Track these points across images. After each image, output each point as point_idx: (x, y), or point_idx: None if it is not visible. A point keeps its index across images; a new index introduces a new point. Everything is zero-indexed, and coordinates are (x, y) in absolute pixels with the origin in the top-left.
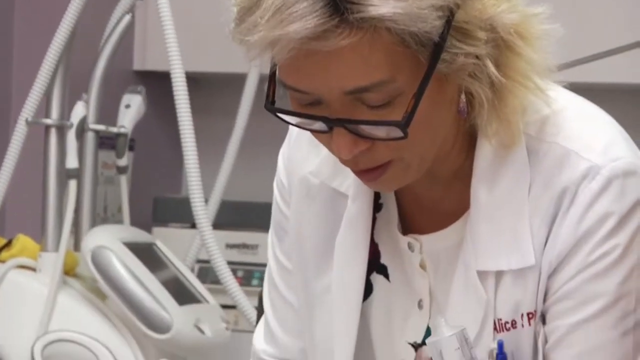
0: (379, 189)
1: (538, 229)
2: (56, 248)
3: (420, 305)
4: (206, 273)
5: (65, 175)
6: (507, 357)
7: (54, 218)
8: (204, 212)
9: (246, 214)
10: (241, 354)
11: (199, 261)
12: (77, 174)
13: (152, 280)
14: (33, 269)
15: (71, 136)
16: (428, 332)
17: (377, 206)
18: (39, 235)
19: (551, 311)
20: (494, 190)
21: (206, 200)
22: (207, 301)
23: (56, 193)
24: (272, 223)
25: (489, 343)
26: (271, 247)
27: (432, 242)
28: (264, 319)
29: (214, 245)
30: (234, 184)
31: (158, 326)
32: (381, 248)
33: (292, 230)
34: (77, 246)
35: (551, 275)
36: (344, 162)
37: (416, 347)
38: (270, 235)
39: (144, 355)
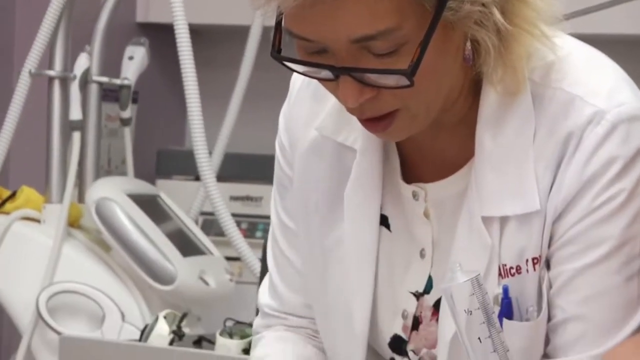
0: (386, 139)
1: (543, 175)
2: (60, 200)
3: (422, 254)
4: (210, 225)
5: (68, 127)
6: (512, 302)
7: (58, 170)
8: (207, 164)
9: (250, 166)
10: (245, 305)
11: (202, 213)
12: (80, 125)
13: (156, 232)
14: (37, 221)
15: (74, 88)
16: (430, 281)
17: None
18: (42, 187)
19: (556, 256)
20: (499, 136)
21: (210, 153)
22: (211, 253)
23: (60, 145)
24: (275, 180)
25: (494, 289)
26: (274, 204)
27: (437, 190)
28: (268, 275)
29: (218, 197)
30: (238, 136)
31: (162, 278)
32: (383, 198)
33: (296, 188)
34: (81, 198)
35: (556, 220)
36: (350, 110)
37: (418, 296)
38: (273, 191)
39: (148, 306)
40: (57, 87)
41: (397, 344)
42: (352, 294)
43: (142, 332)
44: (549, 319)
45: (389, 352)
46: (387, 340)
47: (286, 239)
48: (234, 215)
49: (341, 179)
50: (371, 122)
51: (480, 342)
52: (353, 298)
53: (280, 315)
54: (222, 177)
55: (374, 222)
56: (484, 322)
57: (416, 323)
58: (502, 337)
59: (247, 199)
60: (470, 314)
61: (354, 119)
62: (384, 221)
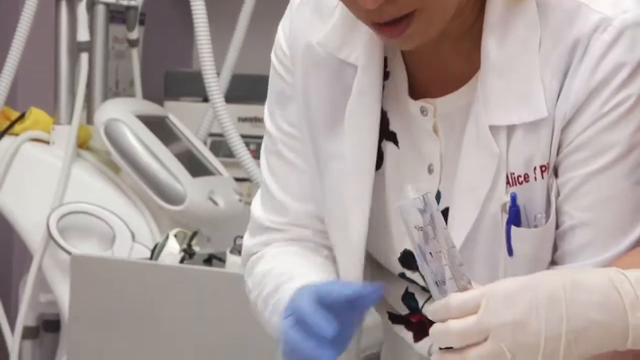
0: (401, 45)
1: (549, 83)
2: (69, 121)
3: (430, 170)
4: (219, 146)
5: (76, 48)
6: (520, 210)
7: (66, 91)
8: (215, 85)
9: (258, 87)
10: None
11: (211, 135)
12: (88, 47)
13: (165, 153)
14: (46, 142)
15: (82, 9)
16: (438, 196)
17: (384, 74)
18: (51, 109)
19: (564, 163)
20: (504, 45)
21: (218, 74)
22: (220, 173)
23: (68, 66)
24: (272, 93)
25: (502, 197)
26: (270, 118)
27: (445, 104)
28: (261, 192)
29: (227, 118)
30: (246, 57)
31: (172, 198)
32: (390, 115)
33: (300, 96)
34: (89, 119)
35: (565, 127)
36: (367, 15)
37: None
38: (269, 106)
39: (158, 226)
40: (64, 8)
41: (408, 259)
42: (349, 207)
43: (153, 250)
44: (557, 225)
45: (399, 268)
46: (397, 255)
47: (289, 147)
48: (242, 136)
49: (343, 96)
50: (387, 27)
51: (432, 256)
52: (350, 212)
53: (282, 228)
54: (230, 98)
55: (373, 138)
56: (434, 238)
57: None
58: (454, 252)
59: (255, 120)
60: (421, 230)
61: (356, 36)
62: (392, 137)
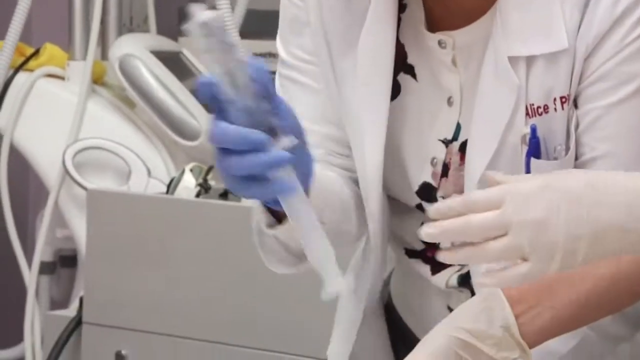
0: None
1: (570, 13)
2: (84, 57)
3: (450, 102)
4: None
5: None
6: (539, 142)
7: (81, 27)
8: (230, 21)
9: (272, 23)
10: None
11: None
12: None
13: (180, 88)
14: (61, 78)
15: None
16: (458, 129)
17: (400, 7)
18: (66, 44)
19: (585, 94)
20: None
21: (232, 9)
22: None
23: (82, 1)
24: (284, 22)
25: (522, 128)
26: (284, 47)
27: (463, 36)
28: None
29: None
30: None
31: (187, 133)
32: (407, 48)
33: (315, 19)
34: (104, 55)
35: (586, 58)
36: None
37: (447, 143)
38: (281, 34)
39: (174, 162)
40: None
41: (426, 191)
42: (365, 135)
43: (169, 185)
44: (577, 157)
45: (416, 199)
46: (415, 188)
47: (306, 73)
48: None
49: (355, 23)
50: None
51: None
52: (365, 141)
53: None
54: (244, 33)
55: (388, 68)
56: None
57: (445, 170)
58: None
59: (269, 55)
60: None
61: None
62: (410, 70)
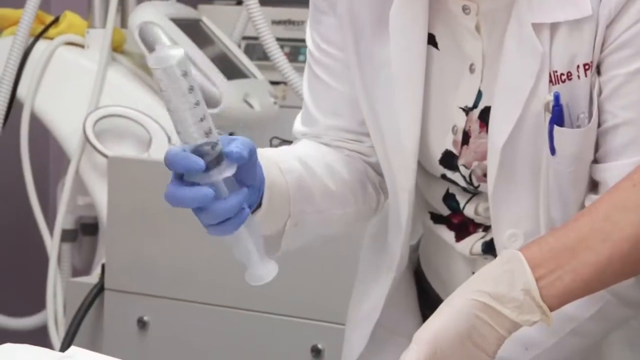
0: None
1: None
2: (103, 24)
3: (471, 69)
4: (253, 49)
5: None
6: (563, 109)
7: None
8: None
9: None
10: (290, 128)
11: (245, 38)
12: None
13: (200, 56)
14: (81, 46)
15: None
16: (479, 96)
17: None
18: (85, 12)
19: (608, 61)
20: None
21: None
22: (254, 76)
23: None
24: (310, 9)
25: (545, 96)
26: (309, 35)
27: (488, 2)
28: (303, 105)
29: (262, 20)
30: None
31: (207, 101)
32: (429, 17)
33: (343, 4)
34: (124, 23)
35: (609, 25)
36: None
37: (467, 111)
38: (309, 22)
39: None
40: None
41: (448, 159)
42: (400, 113)
43: None
44: (599, 124)
45: (440, 169)
46: (438, 156)
47: (321, 65)
48: (276, 39)
49: (383, 6)
50: None
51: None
52: (402, 117)
53: (314, 135)
54: (263, 0)
55: (421, 40)
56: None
57: (466, 138)
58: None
59: (289, 22)
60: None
61: None
62: (431, 40)
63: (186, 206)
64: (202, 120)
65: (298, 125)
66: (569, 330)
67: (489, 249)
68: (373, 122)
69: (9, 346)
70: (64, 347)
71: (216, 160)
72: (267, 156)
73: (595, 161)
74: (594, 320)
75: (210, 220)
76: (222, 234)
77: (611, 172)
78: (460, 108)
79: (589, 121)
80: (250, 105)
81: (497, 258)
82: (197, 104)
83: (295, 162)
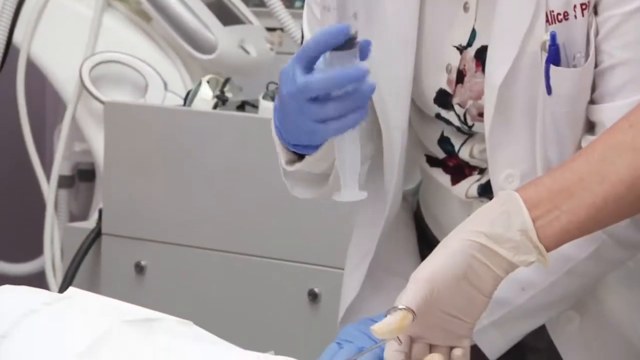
0: None
1: None
2: None
3: (465, 8)
4: None
5: None
6: (559, 48)
7: None
8: None
9: None
10: None
11: None
12: None
13: (195, 2)
14: None
15: None
16: (473, 35)
17: None
18: None
19: (604, 1)
20: None
21: None
22: (250, 22)
23: None
24: None
25: (542, 35)
26: None
27: None
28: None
29: None
30: None
31: (203, 46)
32: None
33: None
34: None
35: None
36: None
37: (461, 49)
38: None
39: (190, 75)
40: None
41: (443, 98)
42: (394, 51)
43: (186, 97)
44: (596, 65)
45: (434, 108)
46: (433, 95)
47: (318, 3)
48: None
49: None
50: None
51: None
52: (395, 55)
53: None
54: None
55: None
56: None
57: (460, 76)
58: None
59: None
60: None
61: None
62: None
63: (339, 86)
64: None
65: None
66: (566, 270)
67: (485, 191)
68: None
69: (8, 287)
70: (62, 292)
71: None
72: None
73: (592, 102)
74: (590, 260)
75: (353, 104)
76: (353, 124)
77: (608, 113)
78: (454, 47)
79: (586, 61)
80: (246, 51)
81: (493, 199)
82: None
83: None
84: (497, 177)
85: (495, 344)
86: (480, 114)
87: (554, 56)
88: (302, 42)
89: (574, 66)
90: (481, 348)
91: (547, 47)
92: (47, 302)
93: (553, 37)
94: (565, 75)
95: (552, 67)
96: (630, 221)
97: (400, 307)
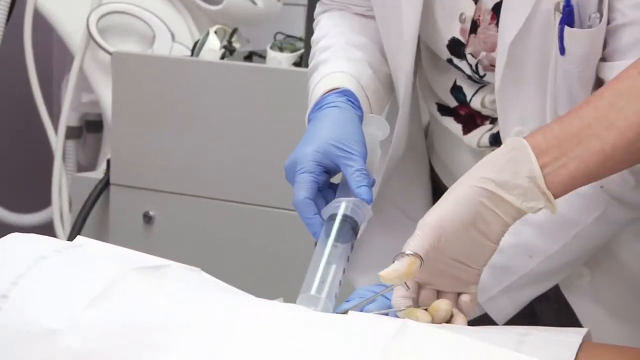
0: None
1: None
2: None
3: None
4: None
5: None
6: (573, 9)
7: None
8: None
9: None
10: (294, 25)
11: None
12: None
13: None
14: None
15: None
16: None
17: None
18: None
19: None
20: None
21: None
22: None
23: None
24: None
25: None
26: None
27: None
28: None
29: None
30: None
31: None
32: None
33: None
34: None
35: None
36: None
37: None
38: None
39: (197, 25)
40: None
41: (456, 46)
42: None
43: (193, 47)
44: (608, 22)
45: (446, 53)
46: (445, 42)
47: None
48: None
49: None
50: None
51: None
52: (404, 1)
53: (337, 5)
54: None
55: None
56: None
57: (474, 26)
58: None
59: None
60: None
61: None
62: None
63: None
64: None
65: None
66: (572, 235)
67: (497, 141)
68: (378, 2)
69: (18, 235)
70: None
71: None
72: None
73: (602, 59)
74: (596, 224)
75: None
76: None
77: (617, 71)
78: None
79: (600, 21)
80: (254, 2)
81: (501, 146)
82: None
83: (369, 72)
84: (508, 133)
85: (504, 310)
86: (493, 65)
87: (568, 17)
88: None
89: (589, 26)
90: (491, 315)
91: (561, 7)
92: (58, 250)
93: None
94: (580, 36)
95: (567, 29)
96: (636, 183)
97: (407, 252)
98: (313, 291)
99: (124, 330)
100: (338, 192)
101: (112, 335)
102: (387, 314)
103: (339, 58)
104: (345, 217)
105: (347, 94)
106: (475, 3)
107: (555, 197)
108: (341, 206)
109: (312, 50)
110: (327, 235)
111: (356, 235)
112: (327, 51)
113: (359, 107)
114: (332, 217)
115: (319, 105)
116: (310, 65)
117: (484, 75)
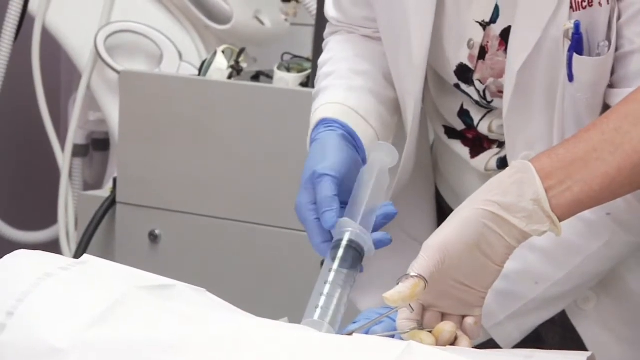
0: None
1: None
2: None
3: None
4: None
5: None
6: (582, 38)
7: None
8: None
9: None
10: (301, 45)
11: None
12: None
13: None
14: None
15: None
16: (496, 11)
17: None
18: None
19: None
20: None
21: None
22: None
23: None
24: None
25: (565, 22)
26: None
27: None
28: None
29: None
30: None
31: (218, 17)
32: None
33: None
34: None
35: None
36: None
37: (484, 25)
38: None
39: (205, 46)
40: None
41: (463, 72)
42: (412, 19)
43: (200, 66)
44: (615, 49)
45: (454, 78)
46: (453, 68)
47: None
48: None
49: None
50: None
51: None
52: (413, 24)
53: (345, 27)
54: None
55: None
56: None
57: (482, 52)
58: None
59: None
60: None
61: None
62: None
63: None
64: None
65: (331, 10)
66: (578, 262)
67: (504, 165)
68: (387, 27)
69: (23, 252)
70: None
71: None
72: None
73: (610, 85)
74: (602, 251)
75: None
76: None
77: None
78: (477, 22)
79: (609, 49)
80: (261, 22)
81: (507, 169)
82: None
83: (371, 100)
84: (515, 157)
85: (510, 336)
86: (500, 91)
87: (577, 45)
88: (319, 13)
89: (598, 54)
90: (497, 341)
91: (570, 35)
92: (63, 267)
93: (577, 26)
94: (588, 63)
95: (575, 56)
96: None
97: (412, 274)
98: (316, 317)
99: (128, 350)
100: (345, 212)
101: (116, 355)
102: (392, 336)
103: (338, 87)
104: (350, 243)
105: (331, 124)
106: (484, 29)
107: (561, 220)
108: (346, 232)
109: (317, 74)
110: (332, 260)
111: (361, 260)
112: (329, 78)
113: (348, 132)
114: (338, 243)
115: (312, 139)
116: (314, 90)
117: (492, 101)
